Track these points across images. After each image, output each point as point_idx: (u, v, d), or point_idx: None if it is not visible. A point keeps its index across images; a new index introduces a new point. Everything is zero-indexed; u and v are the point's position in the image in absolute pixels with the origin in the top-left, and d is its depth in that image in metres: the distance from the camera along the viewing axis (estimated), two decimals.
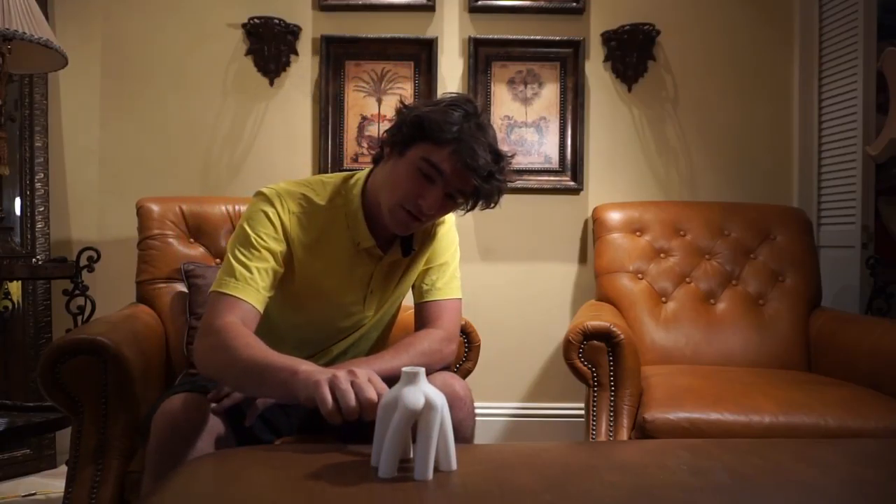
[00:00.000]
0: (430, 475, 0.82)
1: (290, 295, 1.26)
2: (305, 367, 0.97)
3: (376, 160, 1.28)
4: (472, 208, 1.24)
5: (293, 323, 1.30)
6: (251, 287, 1.14)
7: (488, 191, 1.18)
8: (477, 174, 1.14)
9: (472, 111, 1.18)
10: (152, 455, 1.03)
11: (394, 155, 1.21)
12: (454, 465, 0.85)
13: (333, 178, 1.32)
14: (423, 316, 1.32)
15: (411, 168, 1.17)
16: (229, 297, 1.13)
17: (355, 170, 1.35)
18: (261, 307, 1.16)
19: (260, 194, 1.25)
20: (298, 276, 1.25)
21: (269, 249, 1.18)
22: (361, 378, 0.91)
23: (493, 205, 1.23)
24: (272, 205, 1.22)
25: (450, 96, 1.22)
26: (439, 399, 0.83)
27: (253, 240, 1.18)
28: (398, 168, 1.19)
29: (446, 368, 1.29)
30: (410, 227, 1.21)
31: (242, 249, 1.18)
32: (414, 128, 1.17)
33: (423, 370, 0.85)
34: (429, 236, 1.34)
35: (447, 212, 1.26)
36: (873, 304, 2.15)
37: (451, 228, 1.38)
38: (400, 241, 1.30)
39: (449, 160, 1.15)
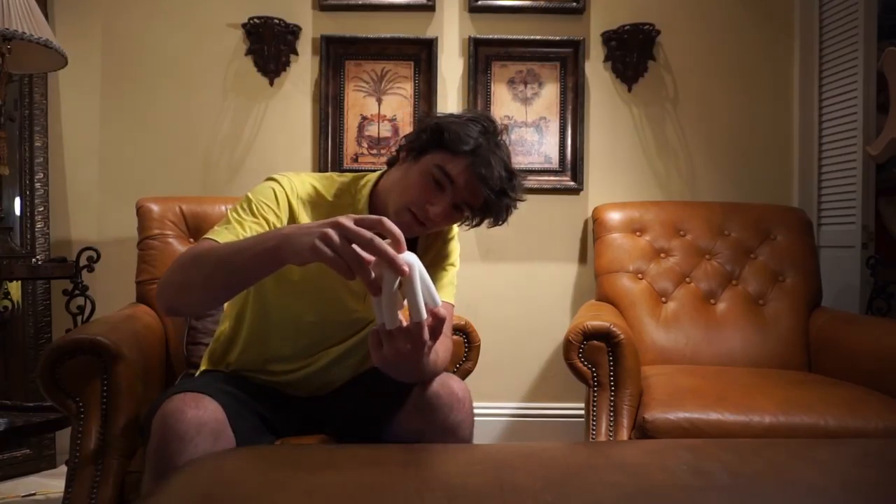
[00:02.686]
0: (425, 315, 0.91)
1: (291, 278, 1.23)
2: (289, 228, 0.93)
3: (390, 163, 1.30)
4: (479, 224, 1.25)
5: (292, 313, 1.28)
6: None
7: (498, 207, 1.20)
8: (489, 187, 1.16)
9: (491, 129, 1.21)
10: (152, 455, 1.03)
11: (409, 159, 1.23)
12: (439, 302, 0.94)
13: (344, 177, 1.33)
14: None
15: (424, 173, 1.18)
16: (211, 241, 1.10)
17: (358, 170, 1.35)
18: None
19: (270, 178, 1.26)
20: None
21: (265, 217, 1.18)
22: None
23: (500, 222, 1.24)
24: (281, 185, 1.24)
25: (472, 112, 1.25)
26: (411, 258, 0.90)
27: (253, 205, 1.19)
28: (411, 172, 1.20)
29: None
30: (412, 231, 1.21)
31: (240, 211, 1.18)
32: (432, 135, 1.19)
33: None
34: (433, 242, 1.34)
35: (452, 222, 1.26)
36: (873, 304, 2.15)
37: (455, 238, 1.38)
38: None
39: (463, 171, 1.17)
